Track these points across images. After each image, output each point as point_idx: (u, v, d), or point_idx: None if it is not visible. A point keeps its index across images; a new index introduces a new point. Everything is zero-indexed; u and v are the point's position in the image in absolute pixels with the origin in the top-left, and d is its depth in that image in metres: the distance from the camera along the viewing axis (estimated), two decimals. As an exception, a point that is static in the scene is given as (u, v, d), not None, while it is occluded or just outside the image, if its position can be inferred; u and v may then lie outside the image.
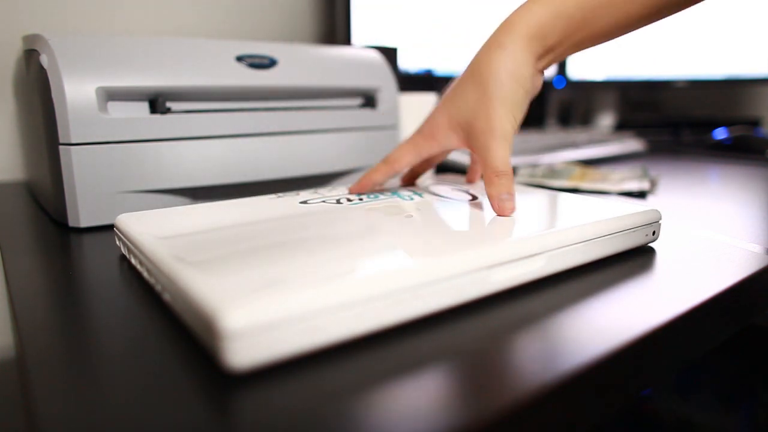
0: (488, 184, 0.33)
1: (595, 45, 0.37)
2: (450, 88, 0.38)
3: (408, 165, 0.39)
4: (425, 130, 0.38)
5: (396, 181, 0.45)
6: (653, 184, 0.56)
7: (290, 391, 0.18)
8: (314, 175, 0.49)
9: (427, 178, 0.46)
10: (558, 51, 0.36)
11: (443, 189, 0.41)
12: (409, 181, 0.44)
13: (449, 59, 0.85)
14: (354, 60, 0.53)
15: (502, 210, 0.32)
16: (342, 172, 0.51)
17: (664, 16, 0.37)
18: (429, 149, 0.38)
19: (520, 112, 0.35)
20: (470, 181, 0.44)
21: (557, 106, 1.21)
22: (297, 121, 0.47)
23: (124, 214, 0.32)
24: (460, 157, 0.64)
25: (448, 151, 0.41)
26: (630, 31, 0.36)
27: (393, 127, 0.54)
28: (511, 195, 0.33)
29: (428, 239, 0.27)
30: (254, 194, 0.40)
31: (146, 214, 0.32)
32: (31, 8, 0.61)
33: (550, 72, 1.06)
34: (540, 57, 0.35)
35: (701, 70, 1.03)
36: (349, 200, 0.36)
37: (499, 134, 0.34)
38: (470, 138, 0.35)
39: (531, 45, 0.34)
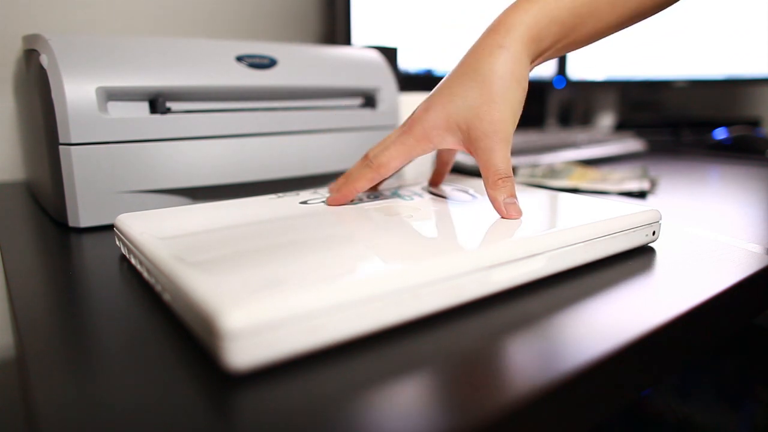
0: (492, 188, 0.33)
1: (576, 49, 0.37)
2: (442, 87, 0.36)
3: (395, 170, 0.36)
4: (417, 131, 0.35)
5: (392, 182, 0.45)
6: (653, 184, 0.56)
7: (290, 391, 0.18)
8: (314, 175, 0.49)
9: (427, 178, 0.46)
10: (547, 54, 0.36)
11: (443, 189, 0.41)
12: (438, 181, 0.43)
13: (449, 59, 0.85)
14: (354, 60, 0.53)
15: (509, 214, 0.32)
16: (342, 172, 0.51)
17: (644, 18, 0.37)
18: (421, 151, 0.36)
19: (518, 114, 0.35)
20: (435, 184, 0.43)
21: (557, 106, 1.21)
22: (297, 121, 0.47)
23: (124, 214, 0.32)
24: (460, 157, 0.64)
25: (453, 151, 0.41)
26: (610, 35, 0.37)
27: (393, 127, 0.54)
28: (515, 198, 0.32)
29: (428, 239, 0.27)
30: (254, 194, 0.40)
31: (146, 214, 0.32)
32: (31, 8, 0.61)
33: (550, 72, 1.06)
34: (534, 59, 0.35)
35: (701, 70, 1.03)
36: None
37: (502, 137, 0.33)
38: (470, 140, 0.34)
39: (528, 47, 0.34)
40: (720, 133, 0.88)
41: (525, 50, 0.34)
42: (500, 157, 0.33)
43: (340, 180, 0.37)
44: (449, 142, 0.35)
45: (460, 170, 0.63)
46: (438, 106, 0.35)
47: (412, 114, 0.36)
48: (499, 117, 0.33)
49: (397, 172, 0.38)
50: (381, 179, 0.36)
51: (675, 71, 1.04)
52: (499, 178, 0.33)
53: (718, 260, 0.32)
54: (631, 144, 0.82)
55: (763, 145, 0.82)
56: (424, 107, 0.35)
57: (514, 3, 0.35)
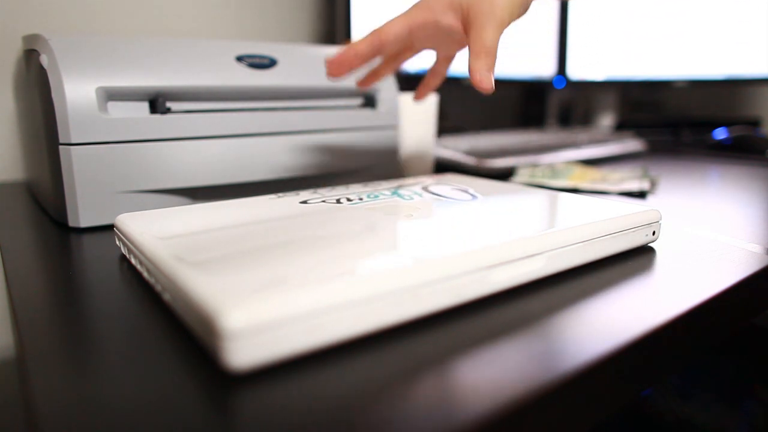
0: (474, 57, 0.34)
1: None
2: None
3: (396, 37, 0.37)
4: (421, 4, 0.37)
5: (392, 182, 0.45)
6: (653, 184, 0.56)
7: (290, 391, 0.18)
8: (314, 175, 0.49)
9: (427, 178, 0.46)
10: None
11: (443, 189, 0.41)
12: (370, 81, 0.43)
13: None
14: (354, 60, 0.53)
15: (481, 82, 0.34)
16: (342, 172, 0.51)
17: None
18: (422, 20, 0.37)
19: (516, 11, 0.36)
20: (421, 95, 0.44)
21: (557, 106, 1.21)
22: (297, 121, 0.47)
23: (124, 214, 0.32)
24: (460, 157, 0.64)
25: (419, 47, 0.41)
26: None
27: (393, 127, 0.54)
28: (492, 73, 0.34)
29: (428, 239, 0.27)
30: (254, 194, 0.40)
31: (146, 214, 0.32)
32: (31, 8, 0.61)
33: (550, 72, 1.06)
34: None
35: (701, 70, 1.03)
36: (349, 200, 0.36)
37: (498, 19, 0.35)
38: (467, 18, 0.36)
39: None
40: (720, 133, 0.88)
41: None
42: (490, 34, 0.35)
43: (337, 53, 0.38)
44: (449, 18, 0.37)
45: (461, 170, 0.63)
46: None
47: None
48: (499, 2, 0.35)
49: (399, 56, 0.40)
50: (380, 45, 0.37)
51: (675, 71, 1.04)
52: (484, 51, 0.34)
53: (718, 260, 0.32)
54: (631, 144, 0.82)
55: (763, 145, 0.82)
56: None
57: None
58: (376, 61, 0.44)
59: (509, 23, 0.36)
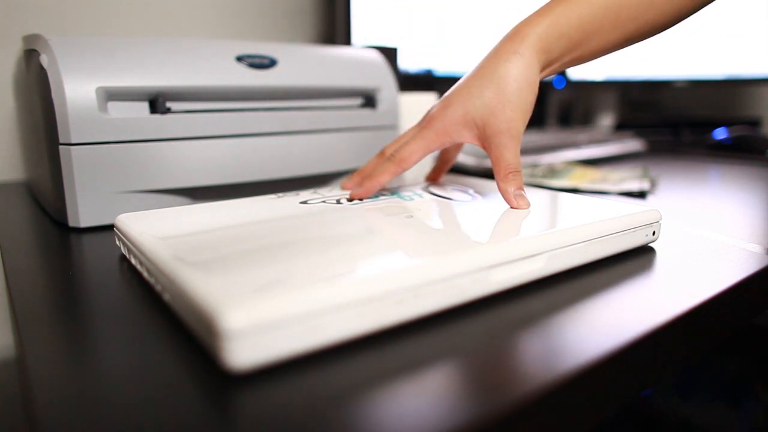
0: (503, 181, 0.35)
1: (581, 63, 0.40)
2: (461, 87, 0.38)
3: (415, 163, 0.39)
4: (436, 125, 0.38)
5: (392, 182, 0.45)
6: (653, 184, 0.56)
7: (290, 391, 0.18)
8: (314, 175, 0.49)
9: (426, 177, 0.46)
10: (555, 66, 0.39)
11: (443, 189, 0.41)
12: (437, 177, 0.45)
13: (449, 59, 0.85)
14: (354, 60, 0.53)
15: (519, 204, 0.35)
16: (342, 172, 0.51)
17: (643, 39, 0.40)
18: (440, 144, 0.38)
19: (529, 113, 0.37)
20: (433, 179, 0.45)
21: (557, 106, 1.21)
22: (297, 121, 0.47)
23: (124, 214, 0.32)
24: (460, 157, 0.64)
25: (461, 147, 0.44)
26: (613, 51, 0.40)
27: (393, 127, 0.54)
28: (522, 190, 0.35)
29: (428, 239, 0.27)
30: (254, 194, 0.40)
31: (146, 214, 0.32)
32: (31, 8, 0.61)
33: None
34: (543, 68, 0.38)
35: (701, 70, 1.03)
36: (349, 200, 0.36)
37: (514, 134, 0.36)
38: (485, 135, 0.37)
39: (539, 56, 0.37)
40: (720, 133, 0.88)
41: (536, 58, 0.37)
42: (511, 152, 0.36)
43: (358, 176, 0.40)
44: (465, 137, 0.38)
45: (461, 170, 0.63)
46: (457, 104, 0.37)
47: (429, 112, 0.39)
48: (512, 116, 0.36)
49: (439, 166, 0.43)
50: (402, 172, 0.38)
51: (675, 71, 1.04)
52: (510, 172, 0.35)
53: (718, 260, 0.32)
54: (631, 144, 0.82)
55: (763, 145, 0.82)
56: (443, 105, 0.38)
57: (529, 16, 0.38)
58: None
59: (523, 129, 0.37)
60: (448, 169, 0.46)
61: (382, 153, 0.41)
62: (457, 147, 0.45)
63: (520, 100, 0.36)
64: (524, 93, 0.36)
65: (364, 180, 0.38)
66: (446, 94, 0.39)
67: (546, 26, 0.37)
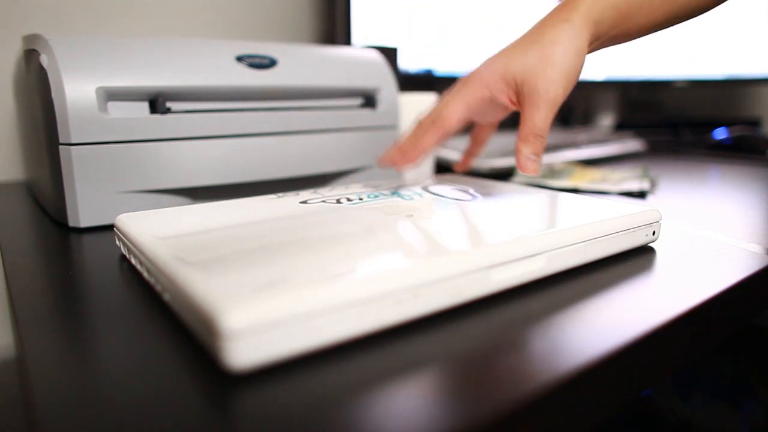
0: (523, 141, 0.34)
1: (626, 41, 0.39)
2: (507, 48, 0.37)
3: (459, 123, 0.37)
4: (474, 79, 0.36)
5: (392, 182, 0.45)
6: (653, 184, 0.56)
7: (290, 391, 0.18)
8: (314, 175, 0.49)
9: (427, 178, 0.46)
10: (603, 40, 0.38)
11: (443, 189, 0.41)
12: (468, 161, 0.43)
13: (449, 59, 0.85)
14: (354, 60, 0.53)
15: (526, 167, 0.34)
16: (342, 172, 0.51)
17: (693, 17, 0.39)
18: (479, 99, 0.36)
19: (572, 84, 0.36)
20: (465, 164, 0.44)
21: (557, 106, 1.21)
22: (297, 121, 0.47)
23: (124, 214, 0.32)
24: (460, 157, 0.64)
25: (487, 122, 0.41)
26: (660, 30, 0.39)
27: (393, 127, 0.54)
28: (539, 158, 0.34)
29: (428, 239, 0.27)
30: (254, 194, 0.40)
31: (146, 214, 0.32)
32: (31, 8, 0.61)
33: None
34: (592, 41, 0.37)
35: (701, 70, 1.03)
36: (349, 200, 0.36)
37: (552, 97, 0.34)
38: (521, 93, 0.35)
39: (589, 26, 0.36)
40: (720, 133, 0.88)
41: (586, 28, 0.36)
42: (542, 116, 0.34)
43: (395, 149, 0.37)
44: (503, 93, 0.36)
45: (460, 170, 0.63)
46: (499, 60, 0.36)
47: (471, 71, 0.38)
48: (552, 77, 0.34)
49: (461, 128, 0.38)
50: (445, 134, 0.37)
51: (675, 71, 1.04)
52: (532, 134, 0.34)
53: (718, 260, 0.32)
54: (631, 144, 0.82)
55: (763, 145, 0.82)
56: (484, 62, 0.37)
57: None
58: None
59: (563, 99, 0.35)
60: (481, 150, 0.43)
61: (419, 124, 0.38)
62: (492, 126, 0.43)
63: (564, 64, 0.35)
64: (570, 59, 0.35)
65: (408, 147, 0.36)
66: (488, 57, 0.38)
67: None
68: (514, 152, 0.34)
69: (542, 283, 0.28)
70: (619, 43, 0.38)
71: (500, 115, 0.42)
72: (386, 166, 0.36)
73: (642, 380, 0.24)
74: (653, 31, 0.38)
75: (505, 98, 0.36)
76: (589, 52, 0.37)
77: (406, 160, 0.36)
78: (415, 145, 0.36)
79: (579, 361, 0.20)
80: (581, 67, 0.36)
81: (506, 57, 0.36)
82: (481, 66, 0.37)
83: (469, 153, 0.44)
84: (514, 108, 0.36)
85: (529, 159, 0.34)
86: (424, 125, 0.36)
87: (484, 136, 0.43)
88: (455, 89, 0.37)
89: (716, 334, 0.28)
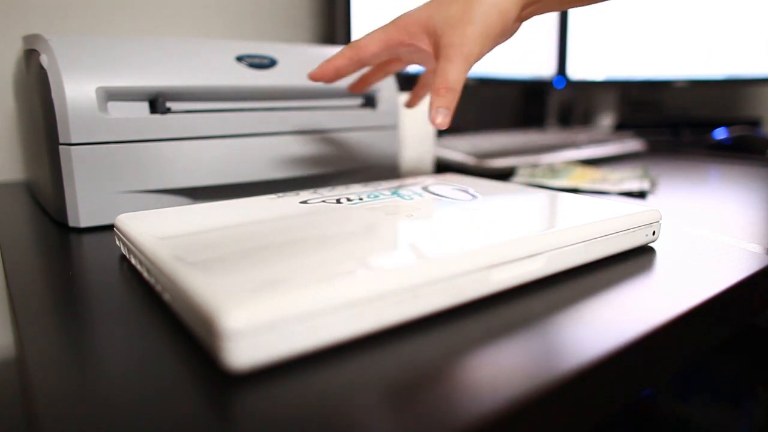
0: (435, 94, 0.35)
1: (565, 8, 0.39)
2: (434, 0, 0.38)
3: (374, 55, 0.38)
4: (399, 22, 0.38)
5: (392, 182, 0.45)
6: (653, 184, 0.56)
7: (290, 391, 0.18)
8: (314, 175, 0.49)
9: (427, 178, 0.46)
10: (540, 4, 0.37)
11: (443, 189, 0.41)
12: (360, 87, 0.45)
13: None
14: (354, 60, 0.53)
15: (435, 120, 0.34)
16: (342, 172, 0.51)
17: None
18: (398, 41, 0.38)
19: (490, 43, 0.36)
20: (410, 105, 0.45)
21: (557, 106, 1.21)
22: (297, 121, 0.47)
23: (124, 214, 0.32)
24: (460, 157, 0.64)
25: (406, 60, 0.43)
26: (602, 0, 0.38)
27: (393, 127, 0.54)
28: (450, 112, 0.35)
29: (428, 239, 0.27)
30: (254, 194, 0.40)
31: (146, 214, 0.32)
32: (31, 8, 0.61)
33: (550, 72, 1.06)
34: (525, 6, 0.37)
35: (701, 70, 1.03)
36: (349, 200, 0.36)
37: (466, 52, 0.35)
38: (437, 46, 0.36)
39: None
40: (720, 133, 0.88)
41: None
42: (455, 69, 0.35)
43: (321, 64, 0.40)
44: (423, 41, 0.37)
45: (460, 170, 0.63)
46: (424, 9, 0.38)
47: (402, 14, 0.39)
48: (469, 34, 0.35)
49: (374, 73, 0.42)
50: (359, 61, 0.39)
51: (675, 71, 1.04)
52: (443, 87, 0.35)
53: (718, 260, 0.32)
54: (631, 144, 0.82)
55: (763, 145, 0.82)
56: (415, 8, 0.38)
57: None
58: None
59: (479, 57, 0.36)
60: (426, 92, 0.45)
61: (341, 50, 0.40)
62: (406, 63, 0.44)
63: (483, 22, 0.35)
64: (490, 18, 0.35)
65: (324, 65, 0.39)
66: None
67: None
68: (429, 106, 0.35)
69: (542, 283, 0.28)
70: (560, 9, 0.38)
71: (418, 59, 0.44)
72: (311, 81, 0.39)
73: (642, 380, 0.24)
74: (595, 1, 0.38)
75: (425, 46, 0.38)
76: (525, 16, 0.37)
77: (321, 76, 0.38)
78: (329, 64, 0.38)
79: (579, 361, 0.20)
80: (505, 29, 0.36)
81: (434, 8, 0.37)
82: (410, 11, 0.38)
83: (416, 94, 0.46)
84: (433, 55, 0.37)
85: (439, 112, 0.34)
86: (342, 49, 0.38)
87: (429, 80, 0.44)
88: (381, 27, 0.39)
89: (716, 334, 0.28)
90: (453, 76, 0.35)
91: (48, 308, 0.25)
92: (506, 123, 1.19)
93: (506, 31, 0.37)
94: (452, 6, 0.36)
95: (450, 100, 0.35)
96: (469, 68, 0.35)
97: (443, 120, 0.34)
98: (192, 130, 0.42)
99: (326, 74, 0.38)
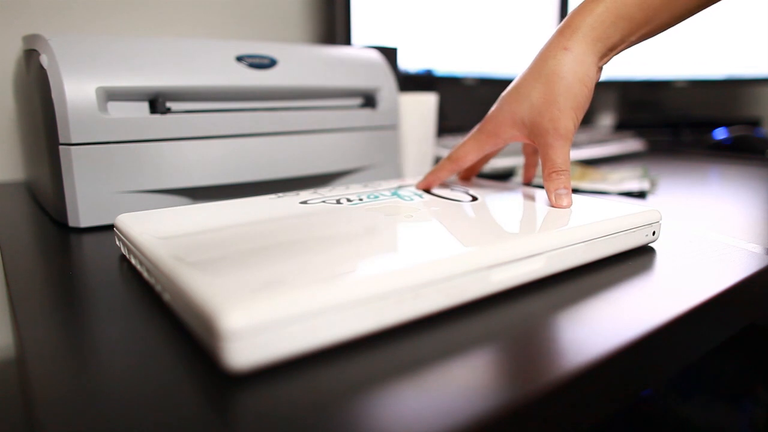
0: (547, 180, 0.36)
1: (653, 36, 0.38)
2: (512, 88, 0.39)
3: (471, 162, 0.41)
4: (488, 127, 0.39)
5: (392, 182, 0.45)
6: (653, 184, 0.56)
7: (290, 391, 0.18)
8: (314, 175, 0.49)
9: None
10: (619, 49, 0.37)
11: (443, 189, 0.41)
12: (468, 176, 0.46)
13: (449, 59, 0.85)
14: (354, 60, 0.53)
15: (559, 203, 0.35)
16: (342, 172, 0.51)
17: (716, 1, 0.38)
18: (492, 146, 0.40)
19: (582, 111, 0.37)
20: (527, 180, 0.46)
21: (557, 106, 1.21)
22: (297, 121, 0.47)
23: (124, 214, 0.32)
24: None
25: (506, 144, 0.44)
26: (685, 19, 0.38)
27: (393, 127, 0.54)
28: (568, 190, 0.35)
29: (428, 239, 0.27)
30: (254, 194, 0.40)
31: (146, 214, 0.32)
32: (31, 8, 0.61)
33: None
34: (602, 57, 0.37)
35: (701, 70, 1.03)
36: (349, 200, 0.36)
37: (563, 134, 0.36)
38: (533, 135, 0.37)
39: (595, 47, 0.36)
40: (720, 133, 0.88)
41: (590, 50, 0.36)
42: (557, 152, 0.36)
43: (426, 176, 0.42)
44: (517, 136, 0.39)
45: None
46: (506, 106, 0.38)
47: (489, 113, 0.40)
48: (558, 115, 0.35)
49: (477, 164, 0.45)
50: (459, 170, 0.41)
51: (675, 71, 1.04)
52: (553, 171, 0.35)
53: (718, 260, 0.32)
54: (631, 144, 0.82)
55: (763, 145, 0.82)
56: (496, 107, 0.40)
57: (581, 4, 0.36)
58: None
59: (575, 129, 0.36)
60: (482, 167, 0.46)
61: (441, 162, 0.42)
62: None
63: (570, 98, 0.35)
64: (573, 90, 0.36)
65: (427, 175, 0.41)
66: (502, 93, 0.40)
67: (600, 13, 0.35)
68: (546, 191, 0.36)
69: (542, 283, 0.28)
70: (646, 40, 0.38)
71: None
72: (419, 190, 0.41)
73: (642, 380, 0.24)
74: (684, 20, 0.38)
75: (520, 139, 0.39)
76: (604, 63, 0.37)
77: (423, 185, 0.42)
78: (435, 177, 0.41)
79: (579, 362, 0.20)
80: (587, 91, 0.36)
81: (512, 100, 0.38)
82: (494, 110, 0.39)
83: (472, 170, 0.47)
84: (531, 142, 0.38)
85: (559, 194, 0.35)
86: (443, 162, 0.41)
87: (493, 155, 0.45)
88: (472, 133, 0.41)
89: (716, 334, 0.28)
90: (559, 160, 0.35)
91: (48, 308, 0.25)
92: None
93: (592, 89, 0.37)
94: (532, 92, 0.36)
95: (564, 180, 0.35)
96: (570, 143, 0.36)
97: (567, 200, 0.35)
98: (192, 130, 0.42)
99: (432, 185, 0.41)
